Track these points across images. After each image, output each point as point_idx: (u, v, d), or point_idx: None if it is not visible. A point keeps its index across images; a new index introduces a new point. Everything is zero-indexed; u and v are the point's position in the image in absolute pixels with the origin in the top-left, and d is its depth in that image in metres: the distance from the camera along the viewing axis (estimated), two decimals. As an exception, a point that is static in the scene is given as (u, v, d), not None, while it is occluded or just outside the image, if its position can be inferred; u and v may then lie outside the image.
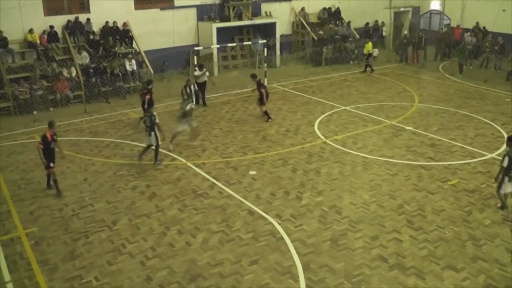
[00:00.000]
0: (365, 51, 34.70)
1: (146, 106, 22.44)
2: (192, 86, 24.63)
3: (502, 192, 15.56)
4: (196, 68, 26.99)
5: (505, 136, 21.25)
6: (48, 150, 16.75)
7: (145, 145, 19.93)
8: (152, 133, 19.15)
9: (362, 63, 35.66)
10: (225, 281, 12.50)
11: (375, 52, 39.16)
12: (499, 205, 15.93)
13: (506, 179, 15.29)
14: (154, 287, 12.32)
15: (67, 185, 17.79)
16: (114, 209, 16.09)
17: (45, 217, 15.66)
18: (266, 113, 24.33)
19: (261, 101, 24.20)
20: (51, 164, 16.88)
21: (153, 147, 19.49)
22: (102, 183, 18.00)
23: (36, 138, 22.16)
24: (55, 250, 13.87)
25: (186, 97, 23.75)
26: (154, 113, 19.28)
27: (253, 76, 24.61)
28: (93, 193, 17.26)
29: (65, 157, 18.48)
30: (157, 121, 19.20)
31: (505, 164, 15.15)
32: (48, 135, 16.74)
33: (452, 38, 37.88)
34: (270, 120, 24.18)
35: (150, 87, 23.22)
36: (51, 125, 17.07)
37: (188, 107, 21.13)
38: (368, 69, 34.55)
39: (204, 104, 27.07)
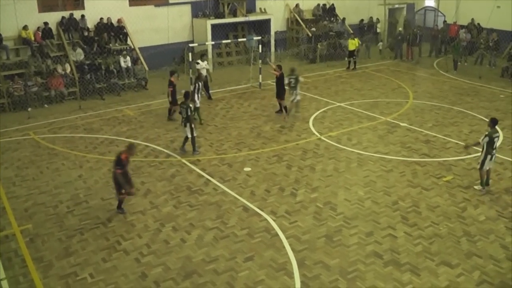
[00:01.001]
0: (351, 48, 34.59)
1: (170, 98, 23.38)
2: (200, 84, 23.68)
3: (484, 169, 16.53)
4: (199, 60, 26.88)
5: (500, 132, 21.24)
6: (124, 174, 15.28)
7: (183, 137, 20.14)
8: (188, 124, 19.41)
9: (363, 60, 35.81)
10: (220, 277, 12.51)
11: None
12: (475, 187, 16.87)
13: (488, 157, 16.29)
14: (149, 284, 12.33)
15: (61, 182, 17.78)
16: (109, 206, 16.08)
17: (40, 214, 15.65)
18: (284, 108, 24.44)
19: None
20: (122, 191, 15.40)
21: (189, 138, 19.84)
22: (97, 179, 17.99)
23: (30, 135, 22.15)
24: (50, 247, 13.87)
25: (196, 96, 23.17)
26: (190, 105, 19.53)
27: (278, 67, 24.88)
28: (88, 190, 17.25)
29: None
30: (190, 113, 19.45)
31: (482, 141, 16.30)
32: (123, 157, 15.15)
33: (447, 34, 37.89)
34: (284, 114, 24.27)
35: (171, 79, 23.50)
36: (131, 148, 15.56)
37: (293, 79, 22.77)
38: (354, 65, 34.56)
39: (210, 97, 27.16)
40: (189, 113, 19.36)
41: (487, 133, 16.30)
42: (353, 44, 34.31)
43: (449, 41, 36.79)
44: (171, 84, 23.47)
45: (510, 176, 17.81)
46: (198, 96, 23.26)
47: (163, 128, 22.83)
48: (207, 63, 27.53)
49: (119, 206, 15.78)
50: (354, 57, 34.55)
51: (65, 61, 28.45)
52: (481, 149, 16.62)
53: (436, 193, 16.72)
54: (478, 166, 16.67)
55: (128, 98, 27.97)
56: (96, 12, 30.42)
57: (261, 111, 25.16)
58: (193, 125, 19.58)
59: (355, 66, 34.53)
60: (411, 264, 12.96)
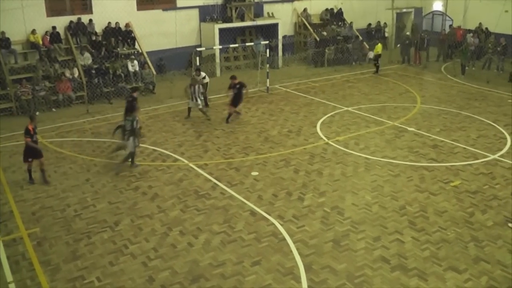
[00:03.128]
0: (375, 52, 34.61)
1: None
2: (197, 86, 24.18)
3: None
4: (193, 73, 26.88)
5: (508, 137, 21.28)
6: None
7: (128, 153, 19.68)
8: (131, 138, 18.79)
9: (369, 64, 35.84)
10: (227, 282, 12.50)
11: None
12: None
13: None
14: (156, 288, 12.36)
15: (69, 186, 17.82)
16: (116, 210, 16.10)
17: (47, 217, 15.68)
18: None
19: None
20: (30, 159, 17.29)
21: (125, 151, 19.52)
22: (104, 183, 18.02)
23: (38, 139, 22.18)
24: (57, 251, 13.89)
25: (190, 96, 23.85)
26: (137, 118, 19.17)
27: (233, 77, 24.92)
28: (95, 193, 17.28)
29: None
30: (138, 126, 19.03)
31: None
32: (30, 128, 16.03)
33: (454, 39, 37.81)
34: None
35: (135, 94, 23.06)
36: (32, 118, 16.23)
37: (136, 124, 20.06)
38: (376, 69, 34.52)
39: (206, 104, 27.07)
40: (134, 126, 18.81)
41: None
42: (375, 49, 34.34)
43: (456, 45, 36.72)
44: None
45: (518, 181, 17.78)
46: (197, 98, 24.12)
47: (170, 132, 22.87)
48: (204, 76, 27.16)
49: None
50: (376, 62, 34.46)
51: (73, 65, 28.54)
52: None
53: (444, 198, 16.67)
54: None
55: (135, 102, 28.03)
56: (104, 16, 30.51)
57: (268, 115, 25.18)
58: (136, 139, 19.03)
59: (377, 70, 34.60)
60: (419, 269, 12.92)
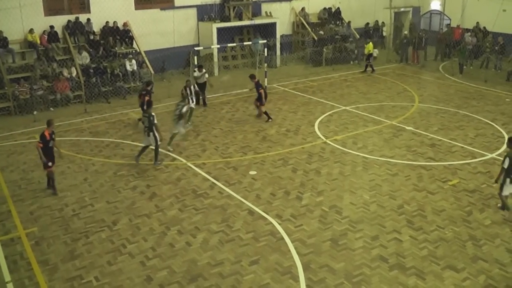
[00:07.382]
0: (366, 51, 34.73)
1: (145, 107, 22.56)
2: (192, 87, 24.30)
3: (503, 194, 15.46)
4: (196, 69, 26.96)
5: (506, 136, 21.27)
6: (46, 149, 16.72)
7: (142, 146, 19.83)
8: (151, 134, 19.09)
9: (362, 63, 35.73)
10: (225, 281, 12.50)
11: (375, 52, 39.04)
12: (499, 205, 15.92)
13: (508, 180, 15.22)
14: (154, 287, 12.32)
15: (67, 185, 17.80)
16: (114, 209, 16.09)
17: (45, 217, 15.66)
18: (266, 113, 24.28)
19: (260, 102, 24.20)
20: (50, 164, 16.87)
21: (152, 147, 19.51)
22: (102, 183, 18.01)
23: (36, 138, 22.18)
24: (55, 250, 13.88)
25: (184, 98, 23.49)
26: (153, 113, 19.20)
27: (252, 77, 24.65)
28: (93, 193, 17.27)
29: (63, 157, 18.70)
30: (155, 121, 19.07)
31: (506, 165, 15.09)
32: (46, 133, 16.74)
33: (452, 38, 37.84)
34: (270, 120, 24.12)
35: (149, 88, 23.33)
36: (49, 123, 17.05)
37: (184, 109, 21.09)
38: (369, 69, 34.61)
39: (205, 104, 27.02)
40: (153, 121, 18.95)
41: (506, 154, 15.33)
42: (366, 48, 34.44)
43: (454, 44, 36.74)
44: (147, 93, 22.86)
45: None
46: (192, 99, 23.91)
47: (168, 132, 22.82)
48: (206, 73, 27.23)
49: (48, 183, 17.50)
50: (367, 61, 34.53)
51: (71, 64, 28.51)
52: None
53: (442, 197, 16.68)
54: (498, 189, 15.72)
55: (133, 101, 27.93)
56: (102, 15, 30.48)
57: (266, 115, 25.20)
58: (156, 134, 19.14)
59: (365, 69, 34.75)
60: (417, 268, 12.93)
